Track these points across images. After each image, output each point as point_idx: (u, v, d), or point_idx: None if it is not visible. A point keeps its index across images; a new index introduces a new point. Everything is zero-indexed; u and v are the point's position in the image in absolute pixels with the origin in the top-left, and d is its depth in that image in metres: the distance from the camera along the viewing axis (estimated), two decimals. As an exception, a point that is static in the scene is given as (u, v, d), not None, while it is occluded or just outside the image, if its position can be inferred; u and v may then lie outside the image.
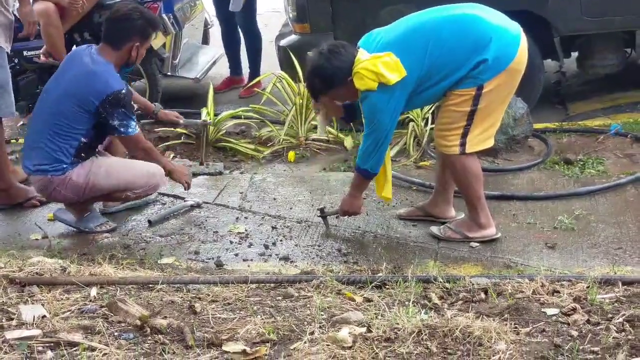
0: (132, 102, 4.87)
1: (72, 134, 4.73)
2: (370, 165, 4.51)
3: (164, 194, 5.41)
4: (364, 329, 3.26)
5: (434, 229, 4.74)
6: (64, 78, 4.82)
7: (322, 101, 4.64)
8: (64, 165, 4.74)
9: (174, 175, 5.06)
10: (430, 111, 5.89)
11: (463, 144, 4.42)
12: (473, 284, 3.75)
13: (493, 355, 3.05)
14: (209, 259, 4.56)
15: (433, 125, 4.82)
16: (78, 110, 4.70)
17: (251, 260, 4.54)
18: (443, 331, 3.19)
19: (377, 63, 4.28)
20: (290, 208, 5.20)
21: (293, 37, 6.78)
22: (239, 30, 7.92)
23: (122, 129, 4.73)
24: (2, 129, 5.38)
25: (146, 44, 4.88)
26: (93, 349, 3.13)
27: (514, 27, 4.41)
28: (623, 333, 3.18)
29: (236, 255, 4.61)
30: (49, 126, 4.75)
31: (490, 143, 4.57)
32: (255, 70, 7.84)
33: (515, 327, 3.27)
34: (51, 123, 4.75)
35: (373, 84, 4.30)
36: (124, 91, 4.70)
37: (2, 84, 5.18)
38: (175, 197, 5.39)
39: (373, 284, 3.82)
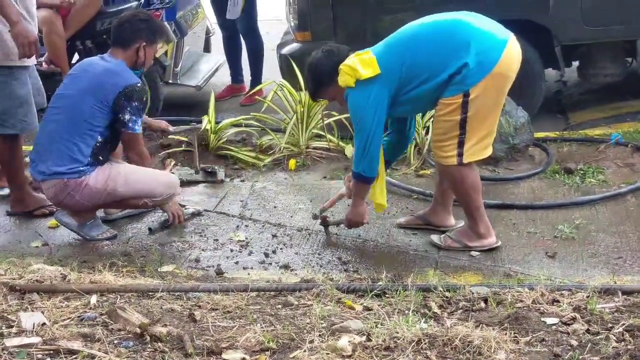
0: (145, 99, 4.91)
1: (90, 132, 4.77)
2: (362, 168, 4.51)
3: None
4: (363, 338, 3.26)
5: (435, 237, 4.74)
6: (82, 79, 4.89)
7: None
8: (81, 168, 4.74)
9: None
10: (431, 120, 5.89)
11: (460, 154, 4.42)
12: (473, 293, 3.75)
13: (493, 365, 3.05)
14: (209, 266, 4.56)
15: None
16: (97, 107, 4.76)
17: (251, 268, 4.54)
18: (443, 340, 3.19)
19: (355, 60, 4.42)
20: (291, 216, 5.21)
21: (294, 45, 6.80)
22: (240, 37, 7.93)
23: (130, 124, 4.80)
24: (21, 141, 5.34)
25: (153, 47, 5.00)
26: (93, 357, 3.13)
27: (502, 33, 4.41)
28: (623, 343, 3.18)
29: (236, 263, 4.61)
30: (67, 126, 4.80)
31: (487, 152, 4.58)
32: (256, 77, 7.85)
33: (515, 337, 3.27)
34: (69, 123, 4.80)
35: (351, 80, 4.41)
36: (139, 84, 4.84)
37: (23, 100, 5.11)
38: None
39: (373, 293, 3.82)
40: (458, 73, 4.28)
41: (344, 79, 4.43)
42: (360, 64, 4.37)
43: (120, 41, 4.90)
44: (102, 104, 4.76)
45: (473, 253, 4.57)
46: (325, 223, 4.89)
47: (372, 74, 4.34)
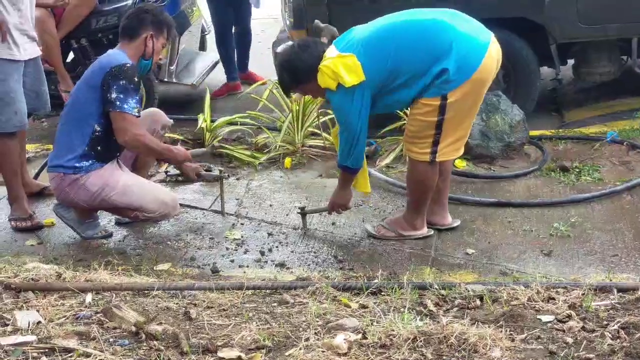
0: (137, 79, 4.74)
1: (85, 121, 4.71)
2: (350, 162, 4.56)
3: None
4: (359, 336, 3.26)
5: (369, 227, 4.82)
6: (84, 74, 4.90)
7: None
8: (77, 164, 4.70)
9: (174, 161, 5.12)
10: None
11: (434, 152, 4.47)
12: (468, 291, 3.76)
13: (488, 362, 3.05)
14: (205, 265, 4.56)
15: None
16: (88, 93, 4.72)
17: (247, 266, 4.54)
18: (438, 338, 3.20)
19: (338, 63, 4.35)
20: (287, 214, 5.21)
21: (290, 44, 6.78)
22: (232, 35, 7.95)
23: (117, 103, 4.61)
24: (16, 143, 5.15)
25: (162, 39, 4.91)
26: (88, 355, 3.13)
27: (483, 36, 4.40)
28: (618, 340, 3.19)
29: (232, 261, 4.61)
30: (65, 117, 4.82)
31: (459, 153, 4.67)
32: (242, 61, 7.92)
33: (511, 334, 3.27)
34: (67, 115, 4.81)
35: (332, 82, 4.37)
36: (128, 65, 4.70)
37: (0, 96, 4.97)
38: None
39: (369, 291, 3.82)
40: (438, 77, 4.29)
41: (325, 80, 4.39)
42: (345, 70, 4.32)
43: (127, 32, 4.85)
44: (93, 88, 4.68)
45: (469, 251, 4.58)
46: (303, 212, 4.94)
47: (357, 82, 4.33)
